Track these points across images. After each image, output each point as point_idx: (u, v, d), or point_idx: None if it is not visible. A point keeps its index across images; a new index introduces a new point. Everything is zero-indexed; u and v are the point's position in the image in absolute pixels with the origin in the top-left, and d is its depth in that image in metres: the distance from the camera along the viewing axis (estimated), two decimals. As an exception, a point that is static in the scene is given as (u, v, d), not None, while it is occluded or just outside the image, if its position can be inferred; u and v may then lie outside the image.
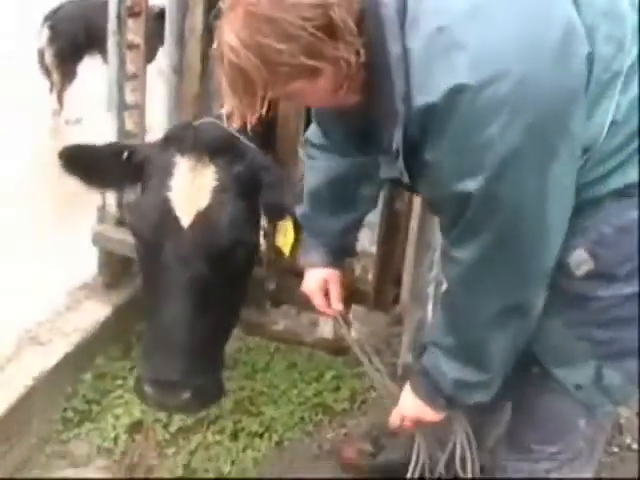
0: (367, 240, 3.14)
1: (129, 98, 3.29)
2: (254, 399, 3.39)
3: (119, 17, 3.12)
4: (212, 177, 2.50)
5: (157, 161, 2.59)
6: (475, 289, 1.88)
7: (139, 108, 3.31)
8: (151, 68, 3.37)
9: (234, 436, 3.21)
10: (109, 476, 3.06)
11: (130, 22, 3.17)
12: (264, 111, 1.72)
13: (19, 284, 3.59)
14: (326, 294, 2.56)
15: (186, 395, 2.48)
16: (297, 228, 2.54)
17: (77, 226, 3.74)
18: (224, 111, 1.83)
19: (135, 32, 3.20)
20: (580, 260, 1.88)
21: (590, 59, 1.70)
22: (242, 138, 2.61)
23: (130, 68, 3.25)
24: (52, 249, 3.90)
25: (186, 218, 2.48)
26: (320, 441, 3.25)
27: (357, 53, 1.67)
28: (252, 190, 2.56)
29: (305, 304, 2.66)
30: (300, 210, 2.53)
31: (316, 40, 1.62)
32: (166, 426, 3.20)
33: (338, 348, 3.16)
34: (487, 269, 1.82)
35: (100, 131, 3.31)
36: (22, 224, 4.17)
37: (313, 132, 2.39)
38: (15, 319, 3.35)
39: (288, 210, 2.55)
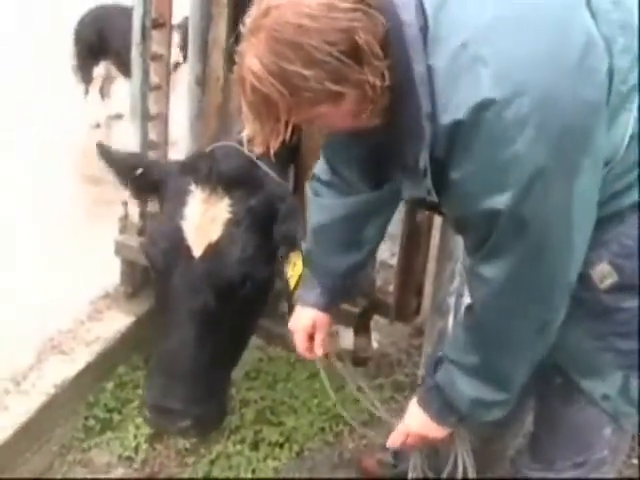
0: (388, 252, 3.13)
1: (153, 109, 3.31)
2: (275, 409, 3.39)
3: (143, 28, 3.14)
4: (225, 209, 2.50)
5: (173, 186, 2.61)
6: (504, 308, 1.85)
7: (162, 119, 3.33)
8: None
9: (255, 446, 3.21)
10: (130, 485, 3.07)
11: (154, 33, 3.19)
12: (288, 135, 1.70)
13: (42, 293, 3.62)
14: (312, 336, 2.44)
15: (185, 423, 2.50)
16: (305, 262, 2.49)
17: (100, 236, 3.75)
18: (244, 135, 1.78)
19: (159, 43, 3.22)
20: (604, 273, 1.88)
21: (610, 71, 1.70)
22: (261, 164, 2.60)
23: (154, 79, 3.27)
24: (75, 259, 3.92)
25: (197, 249, 2.49)
26: (340, 451, 3.24)
27: (382, 76, 1.64)
28: (267, 221, 2.55)
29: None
30: (305, 245, 2.46)
31: (342, 65, 1.59)
32: (187, 435, 3.20)
33: (358, 359, 3.15)
34: (515, 287, 1.80)
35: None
36: (45, 235, 4.19)
37: (321, 168, 2.31)
38: (38, 328, 3.38)
39: (298, 242, 2.50)
